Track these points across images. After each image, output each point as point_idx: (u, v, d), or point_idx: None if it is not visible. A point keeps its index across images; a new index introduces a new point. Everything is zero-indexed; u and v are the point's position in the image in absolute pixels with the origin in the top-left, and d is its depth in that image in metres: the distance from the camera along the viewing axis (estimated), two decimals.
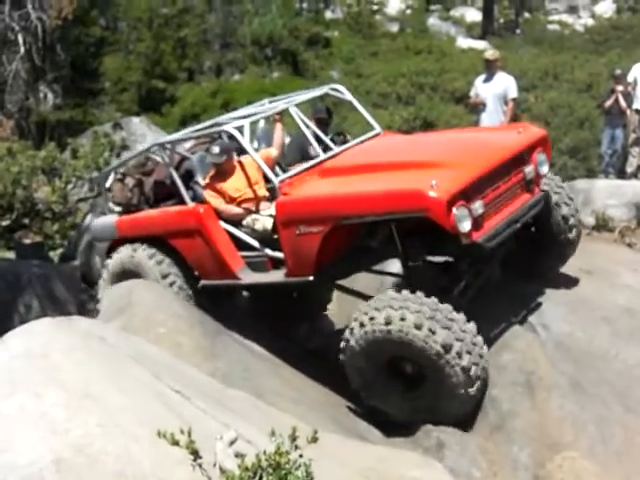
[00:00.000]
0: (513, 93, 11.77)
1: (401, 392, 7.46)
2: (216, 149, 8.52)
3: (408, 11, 36.50)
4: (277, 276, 8.10)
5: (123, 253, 8.95)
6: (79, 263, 12.94)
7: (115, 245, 9.17)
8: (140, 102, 21.18)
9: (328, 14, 30.46)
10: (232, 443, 3.90)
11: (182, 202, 8.65)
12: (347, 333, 7.32)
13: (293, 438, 3.25)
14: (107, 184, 9.44)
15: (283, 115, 8.91)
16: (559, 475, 6.93)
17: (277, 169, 8.88)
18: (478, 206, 7.12)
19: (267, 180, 8.54)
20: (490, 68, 11.93)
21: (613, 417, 7.28)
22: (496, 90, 11.67)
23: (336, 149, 8.68)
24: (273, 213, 8.11)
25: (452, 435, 7.38)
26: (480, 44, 23.40)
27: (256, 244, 8.25)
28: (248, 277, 8.30)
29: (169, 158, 8.85)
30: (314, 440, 3.31)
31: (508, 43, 23.66)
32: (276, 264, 8.15)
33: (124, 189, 9.11)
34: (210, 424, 4.82)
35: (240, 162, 8.76)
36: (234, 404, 5.83)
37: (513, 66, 16.14)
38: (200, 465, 3.39)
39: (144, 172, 9.20)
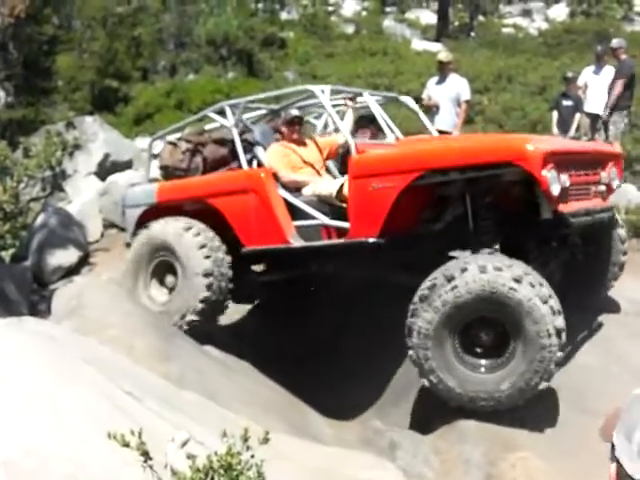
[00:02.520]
0: (466, 95, 11.85)
1: (491, 364, 6.92)
2: (295, 110, 8.65)
3: (364, 13, 36.56)
4: (334, 240, 8.01)
5: (155, 225, 8.67)
6: (30, 263, 12.79)
7: (148, 215, 8.94)
8: (93, 101, 20.97)
9: (284, 15, 30.43)
10: (184, 444, 3.89)
11: (237, 169, 8.61)
12: (409, 320, 6.93)
13: (245, 439, 3.24)
14: (155, 150, 9.37)
15: (354, 101, 8.93)
16: (511, 474, 6.96)
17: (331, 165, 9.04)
18: (565, 178, 7.05)
19: (327, 171, 8.81)
20: (443, 70, 11.98)
21: (567, 418, 7.34)
22: (449, 92, 11.73)
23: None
24: (338, 180, 8.17)
25: (405, 435, 7.41)
26: (435, 46, 23.49)
27: (313, 212, 8.09)
28: (299, 241, 8.14)
29: (234, 121, 8.64)
30: (265, 441, 3.30)
31: (462, 46, 23.79)
32: (331, 234, 8.06)
33: (176, 152, 8.90)
34: (162, 426, 4.80)
35: (311, 138, 8.83)
36: (187, 406, 5.81)
37: (467, 69, 16.23)
38: (151, 467, 3.37)
39: (199, 142, 8.98)
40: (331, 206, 8.03)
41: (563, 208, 7.01)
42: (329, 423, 7.85)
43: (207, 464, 3.17)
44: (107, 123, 16.61)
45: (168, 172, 9.00)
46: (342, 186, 7.91)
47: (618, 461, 1.61)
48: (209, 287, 8.24)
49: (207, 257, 8.28)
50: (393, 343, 8.15)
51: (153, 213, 8.90)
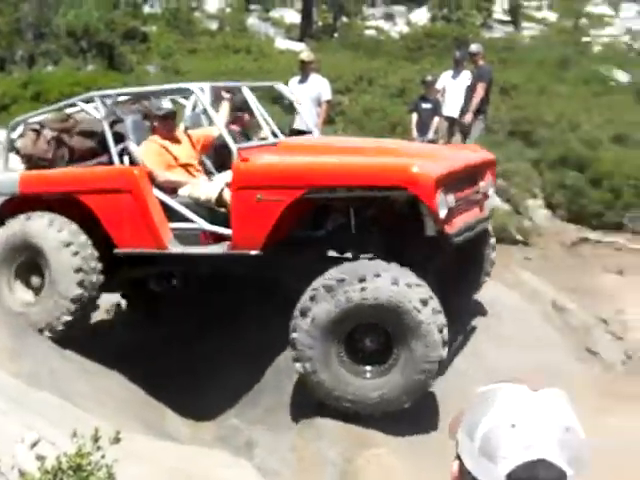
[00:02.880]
0: (327, 95, 11.93)
1: (368, 371, 7.03)
2: (167, 102, 8.30)
3: (227, 10, 36.44)
4: (215, 248, 7.74)
5: (16, 222, 8.17)
6: None
7: (8, 206, 8.42)
8: None
9: (146, 9, 29.99)
10: (34, 445, 3.80)
11: (107, 163, 8.19)
12: (305, 303, 6.91)
13: (95, 439, 3.17)
14: (14, 135, 8.72)
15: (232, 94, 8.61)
16: (366, 471, 7.07)
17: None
18: (451, 199, 7.08)
19: (202, 164, 8.53)
20: (305, 70, 12.02)
21: (423, 418, 7.48)
22: (310, 92, 11.77)
23: (282, 137, 8.73)
24: (217, 183, 7.88)
25: (262, 433, 7.42)
26: (298, 46, 23.61)
27: (191, 215, 7.80)
28: (178, 248, 7.85)
29: (105, 113, 8.16)
30: (116, 441, 3.24)
31: (325, 46, 23.98)
32: (209, 238, 7.81)
33: (39, 141, 8.37)
34: (11, 426, 4.67)
35: (185, 132, 8.48)
36: (38, 406, 5.67)
37: (329, 69, 16.33)
38: None
39: (64, 128, 8.48)
40: (209, 210, 7.83)
41: (448, 229, 7.09)
42: (186, 422, 7.80)
43: (56, 465, 3.10)
44: None
45: (30, 161, 8.52)
46: (221, 191, 7.74)
47: (460, 458, 1.65)
48: (80, 284, 7.96)
49: (75, 254, 7.95)
50: (253, 342, 8.18)
51: (14, 204, 8.43)
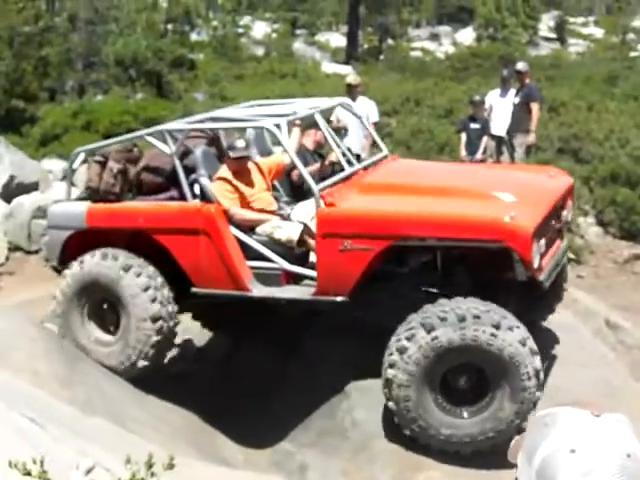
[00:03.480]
0: (374, 117, 11.93)
1: (463, 410, 6.97)
2: (241, 142, 7.90)
3: (274, 35, 36.74)
4: (299, 292, 7.53)
5: (90, 260, 7.86)
6: None
7: (75, 239, 8.14)
8: None
9: (193, 36, 30.30)
10: (89, 472, 3.80)
11: (178, 197, 7.91)
12: (402, 342, 6.80)
13: (149, 465, 3.17)
14: (75, 166, 8.54)
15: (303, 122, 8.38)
16: None
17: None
18: (542, 244, 7.05)
19: (274, 189, 8.37)
20: (352, 93, 12.03)
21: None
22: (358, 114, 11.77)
23: (358, 165, 8.31)
24: (298, 223, 7.68)
25: (314, 457, 7.41)
26: (344, 69, 23.70)
27: (271, 254, 7.58)
28: (261, 290, 7.59)
29: (175, 148, 7.84)
30: (170, 467, 3.24)
31: (371, 69, 24.05)
32: (289, 279, 7.65)
33: (105, 174, 8.00)
34: (66, 453, 4.70)
35: (257, 164, 8.15)
36: (92, 432, 5.71)
37: (376, 91, 16.36)
38: None
39: (129, 159, 8.19)
40: (290, 249, 7.64)
41: (539, 274, 7.03)
42: (240, 448, 7.79)
43: None
44: (13, 144, 16.30)
45: (96, 194, 8.13)
46: (302, 232, 7.58)
47: None
48: (159, 331, 7.78)
49: (153, 300, 7.73)
50: (311, 367, 8.16)
51: (81, 237, 8.16)
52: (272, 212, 7.94)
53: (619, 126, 15.25)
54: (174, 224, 7.74)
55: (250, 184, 7.91)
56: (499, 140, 13.45)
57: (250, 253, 7.64)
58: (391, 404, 6.95)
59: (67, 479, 3.68)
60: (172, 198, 7.99)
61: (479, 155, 13.10)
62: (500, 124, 13.31)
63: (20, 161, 15.40)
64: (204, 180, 7.87)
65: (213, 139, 8.53)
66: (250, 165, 8.04)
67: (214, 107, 14.28)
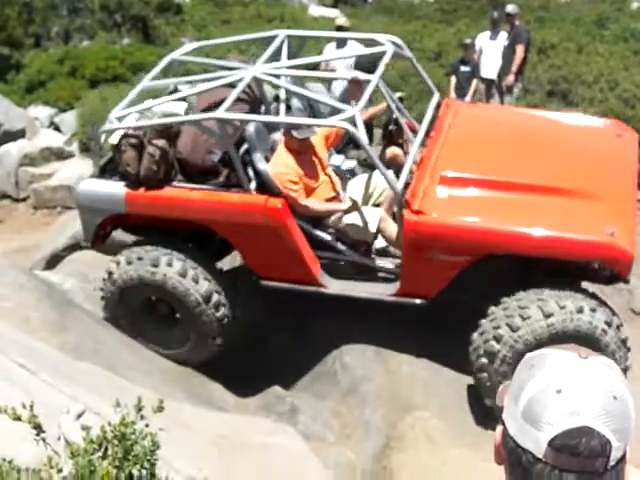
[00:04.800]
0: None
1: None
2: (306, 120, 7.41)
3: None
4: (378, 291, 7.33)
5: (138, 264, 7.41)
6: None
7: (110, 222, 7.78)
8: None
9: None
10: (79, 416, 3.83)
11: (232, 183, 7.29)
12: (490, 344, 6.85)
13: (139, 408, 3.19)
14: (113, 140, 7.51)
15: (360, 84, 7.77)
16: (411, 434, 7.11)
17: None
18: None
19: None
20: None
21: (463, 381, 7.49)
22: (346, 60, 11.66)
23: (421, 131, 7.71)
24: (373, 218, 7.34)
25: (305, 400, 7.48)
26: (332, 12, 23.43)
27: (341, 247, 7.39)
28: (335, 286, 7.37)
29: (223, 131, 7.15)
30: (160, 409, 3.26)
31: (360, 11, 23.79)
32: (360, 267, 7.49)
33: (146, 159, 7.30)
34: (57, 398, 4.73)
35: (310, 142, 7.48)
36: (84, 377, 5.74)
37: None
38: (44, 440, 3.30)
39: (168, 136, 7.42)
40: (362, 242, 7.47)
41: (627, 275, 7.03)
42: (231, 392, 7.83)
43: (101, 435, 3.12)
44: None
45: (135, 179, 7.42)
46: (378, 227, 7.34)
47: (504, 423, 1.63)
48: (222, 331, 7.64)
49: (217, 307, 7.50)
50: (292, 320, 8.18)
51: (117, 218, 7.80)
52: (336, 194, 7.58)
53: (608, 69, 15.14)
54: (236, 218, 7.26)
55: (313, 166, 7.46)
56: (489, 83, 13.38)
57: (316, 243, 7.39)
58: (484, 375, 6.95)
59: (58, 424, 3.70)
60: (227, 185, 7.36)
61: (468, 97, 13.04)
62: (490, 67, 13.23)
63: (6, 108, 15.27)
64: (262, 165, 7.34)
65: (255, 101, 8.01)
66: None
67: (202, 52, 14.14)
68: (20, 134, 14.88)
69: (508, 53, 12.89)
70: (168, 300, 7.58)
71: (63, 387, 4.97)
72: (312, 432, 7.14)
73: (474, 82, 13.09)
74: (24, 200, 13.49)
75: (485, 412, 7.19)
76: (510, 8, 13.28)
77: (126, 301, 7.65)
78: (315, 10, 26.78)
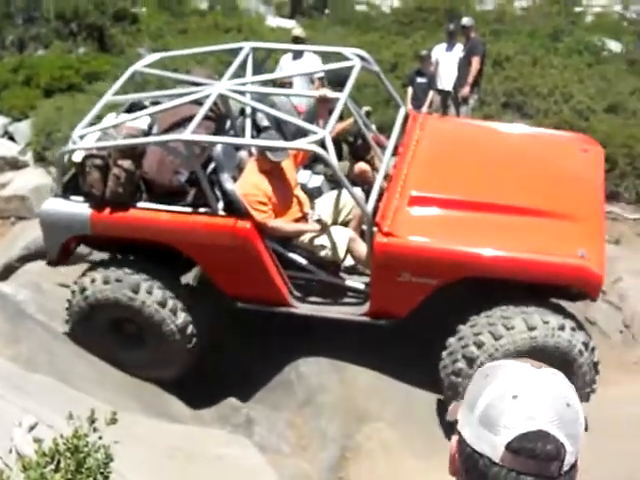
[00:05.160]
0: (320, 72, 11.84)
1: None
2: (279, 143, 7.31)
3: None
4: (347, 311, 7.29)
5: (116, 285, 7.28)
6: None
7: (74, 241, 7.64)
8: None
9: None
10: (32, 428, 3.79)
11: (199, 202, 7.15)
12: (470, 349, 6.84)
13: (92, 421, 3.16)
14: (76, 158, 7.27)
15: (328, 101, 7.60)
16: (367, 445, 7.12)
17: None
18: None
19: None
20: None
21: (418, 391, 7.51)
22: (304, 69, 11.67)
23: (389, 146, 7.70)
24: (341, 239, 7.29)
25: (260, 411, 7.46)
26: (289, 23, 23.46)
27: (310, 267, 7.36)
28: (305, 306, 7.33)
29: (190, 151, 6.97)
30: (113, 421, 3.23)
31: (317, 23, 23.86)
32: (329, 287, 7.43)
33: (111, 181, 7.12)
34: (9, 410, 4.67)
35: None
36: (37, 389, 5.68)
37: (321, 46, 16.26)
38: None
39: (133, 156, 7.19)
40: (331, 262, 7.42)
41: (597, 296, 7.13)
42: (186, 402, 7.78)
43: (53, 447, 3.08)
44: None
45: (99, 199, 7.27)
46: (348, 248, 7.29)
47: (460, 432, 1.64)
48: (192, 350, 7.61)
49: (191, 336, 7.50)
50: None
51: (81, 238, 7.71)
52: (304, 215, 7.48)
53: (563, 81, 15.32)
54: (205, 240, 7.15)
55: (282, 186, 7.36)
56: (445, 94, 13.48)
57: (285, 263, 7.33)
58: (457, 379, 6.93)
59: (10, 436, 3.66)
60: (194, 205, 7.22)
61: (424, 109, 13.12)
62: (446, 78, 13.33)
63: None
64: (230, 186, 7.19)
65: (221, 117, 7.87)
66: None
67: (158, 62, 14.08)
68: None
69: (464, 65, 12.99)
70: (138, 322, 7.49)
71: (15, 399, 4.91)
72: (268, 443, 7.12)
73: (430, 93, 13.19)
74: None
75: (439, 423, 7.22)
76: (465, 20, 13.40)
77: (94, 318, 7.53)
78: (272, 21, 26.80)
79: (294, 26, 16.69)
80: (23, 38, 23.04)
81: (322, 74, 11.75)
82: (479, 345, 6.78)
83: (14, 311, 7.57)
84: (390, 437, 7.19)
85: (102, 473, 3.04)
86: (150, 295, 7.29)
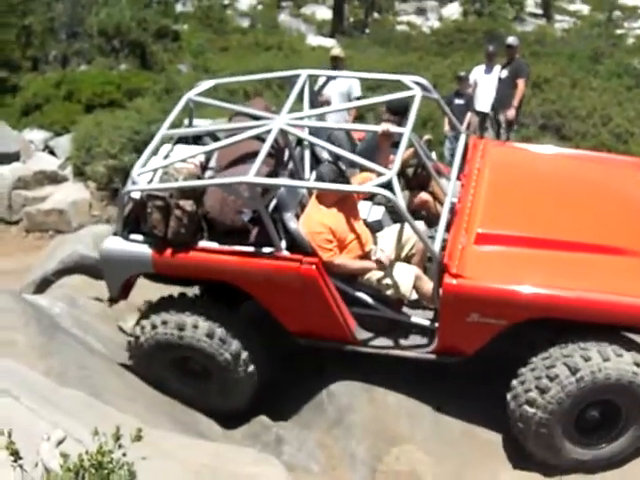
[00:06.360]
0: (357, 92, 11.87)
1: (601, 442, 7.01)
2: (329, 169, 7.17)
3: (259, 7, 36.53)
4: (415, 349, 7.22)
5: (163, 328, 7.31)
6: None
7: (135, 278, 7.64)
8: None
9: (178, 7, 30.08)
10: (60, 443, 3.81)
11: (263, 242, 7.02)
12: (533, 393, 6.70)
13: (117, 437, 3.19)
14: (134, 195, 7.30)
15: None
16: (396, 467, 7.09)
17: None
18: None
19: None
20: (336, 66, 11.98)
21: (449, 411, 7.48)
22: (341, 88, 11.73)
23: (453, 181, 7.62)
24: (407, 275, 7.19)
25: (290, 430, 7.46)
26: (329, 42, 23.61)
27: (376, 304, 7.24)
28: (371, 345, 7.27)
29: (253, 192, 6.88)
30: (138, 438, 3.25)
31: (357, 42, 23.99)
32: (394, 323, 7.34)
33: (173, 221, 7.10)
34: (39, 423, 4.71)
35: None
36: (67, 403, 5.70)
37: (360, 65, 16.31)
38: (21, 466, 3.29)
39: (194, 195, 7.19)
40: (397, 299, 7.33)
41: None
42: (217, 420, 7.80)
43: (78, 463, 3.11)
44: None
45: (162, 239, 7.22)
46: (414, 285, 7.20)
47: None
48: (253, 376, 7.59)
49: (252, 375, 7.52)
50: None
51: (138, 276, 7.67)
52: (368, 251, 7.25)
53: (602, 104, 15.28)
54: (270, 280, 7.05)
55: (347, 220, 7.24)
56: (483, 116, 13.45)
57: (350, 300, 7.23)
58: (522, 436, 6.92)
59: (37, 450, 3.69)
60: (257, 244, 7.09)
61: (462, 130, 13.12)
62: (484, 100, 13.32)
63: (1, 131, 15.31)
64: (294, 225, 7.10)
65: (280, 151, 7.75)
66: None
67: (198, 79, 14.19)
68: (15, 157, 14.92)
69: (507, 87, 12.96)
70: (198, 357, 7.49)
71: (45, 413, 4.95)
72: (297, 462, 7.12)
73: (468, 115, 13.16)
74: (16, 223, 13.51)
75: (470, 444, 7.20)
76: (511, 40, 13.38)
77: (157, 361, 7.59)
78: (313, 40, 26.97)
79: (333, 45, 16.83)
80: (66, 54, 23.35)
81: (360, 93, 11.83)
82: (531, 403, 6.69)
83: (49, 324, 7.63)
84: (420, 458, 7.16)
85: None
86: (197, 329, 7.29)
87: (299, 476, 6.73)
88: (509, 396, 6.89)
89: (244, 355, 7.39)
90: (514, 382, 6.85)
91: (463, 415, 7.44)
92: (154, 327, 7.38)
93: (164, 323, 7.35)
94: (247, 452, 6.37)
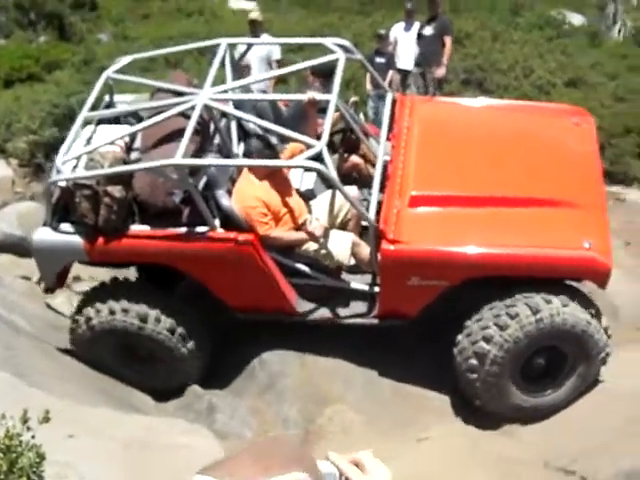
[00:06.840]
0: (277, 55, 11.80)
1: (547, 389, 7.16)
2: (256, 141, 7.13)
3: None
4: (355, 315, 7.23)
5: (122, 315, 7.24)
6: None
7: (69, 266, 7.58)
8: None
9: None
10: None
11: (197, 221, 6.92)
12: (480, 344, 6.80)
13: (24, 420, 3.16)
14: (60, 183, 7.09)
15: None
16: (329, 428, 7.15)
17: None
18: None
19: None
20: (255, 30, 11.87)
21: (379, 372, 7.56)
22: (260, 52, 11.64)
23: (383, 143, 7.52)
24: (344, 243, 7.16)
25: (223, 398, 7.48)
26: (250, 5, 23.35)
27: (315, 273, 7.22)
28: (312, 314, 7.27)
29: (181, 174, 6.72)
30: (45, 420, 3.23)
31: (276, 5, 23.74)
32: (334, 290, 7.33)
33: (103, 209, 6.93)
34: None
35: None
36: None
37: (280, 28, 16.21)
38: None
39: (123, 180, 7.01)
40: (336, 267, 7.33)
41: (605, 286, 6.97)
42: (149, 391, 7.79)
43: None
44: None
45: (92, 227, 7.04)
46: (351, 252, 7.18)
47: None
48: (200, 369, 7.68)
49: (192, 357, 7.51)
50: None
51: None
52: (303, 221, 7.28)
53: (523, 56, 15.35)
54: (207, 258, 6.98)
55: (280, 192, 7.19)
56: (404, 74, 13.44)
57: (288, 271, 7.21)
58: (474, 376, 6.95)
59: None
60: (190, 224, 6.98)
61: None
62: (405, 58, 13.29)
63: None
64: (226, 202, 7.01)
65: (205, 126, 7.61)
66: None
67: (117, 48, 14.00)
68: None
69: (433, 44, 12.86)
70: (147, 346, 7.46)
71: None
72: (230, 429, 7.15)
73: (390, 73, 13.14)
74: None
75: (402, 404, 7.29)
76: None
77: (101, 343, 7.49)
78: (234, 3, 26.64)
79: (252, 9, 16.63)
80: None
81: (279, 56, 11.77)
82: (488, 340, 6.77)
83: None
84: (352, 418, 7.22)
85: (35, 472, 3.04)
86: (159, 323, 7.28)
87: (232, 443, 6.75)
88: (455, 350, 6.97)
89: (182, 331, 7.38)
90: (459, 337, 6.94)
91: (395, 374, 7.52)
92: (112, 313, 7.29)
93: (124, 311, 7.27)
94: (178, 423, 6.39)
